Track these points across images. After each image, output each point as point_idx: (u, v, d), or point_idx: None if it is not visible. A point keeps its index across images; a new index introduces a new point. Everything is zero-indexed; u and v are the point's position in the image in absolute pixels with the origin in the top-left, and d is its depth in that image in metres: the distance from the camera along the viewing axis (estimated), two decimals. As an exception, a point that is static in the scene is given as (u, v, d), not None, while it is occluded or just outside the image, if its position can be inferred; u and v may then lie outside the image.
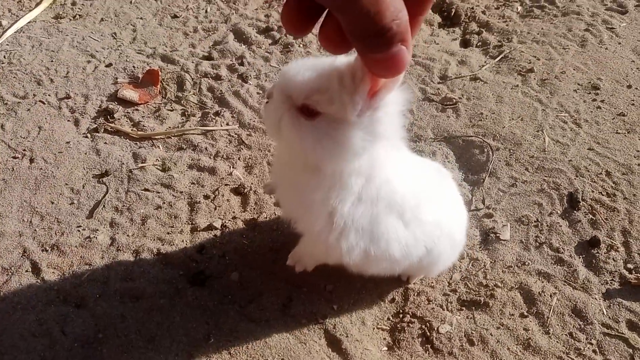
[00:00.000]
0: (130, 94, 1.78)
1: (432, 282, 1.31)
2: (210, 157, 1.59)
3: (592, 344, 1.20)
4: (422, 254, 1.05)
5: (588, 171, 1.56)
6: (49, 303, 1.24)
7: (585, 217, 1.45)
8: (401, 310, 1.26)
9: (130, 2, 2.23)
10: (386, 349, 1.20)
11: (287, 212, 1.07)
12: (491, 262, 1.35)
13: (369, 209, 0.94)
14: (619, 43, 2.03)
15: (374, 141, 0.85)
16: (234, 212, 1.45)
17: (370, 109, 0.81)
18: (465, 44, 2.07)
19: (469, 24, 2.16)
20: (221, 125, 1.70)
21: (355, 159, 0.87)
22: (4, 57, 1.92)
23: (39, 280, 1.29)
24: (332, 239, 0.96)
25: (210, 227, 1.40)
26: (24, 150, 1.60)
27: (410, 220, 0.98)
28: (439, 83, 1.85)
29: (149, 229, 1.40)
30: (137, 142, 1.64)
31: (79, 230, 1.40)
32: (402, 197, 0.96)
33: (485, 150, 1.63)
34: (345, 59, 0.80)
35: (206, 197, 1.49)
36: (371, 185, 0.93)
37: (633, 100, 1.79)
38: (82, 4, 2.22)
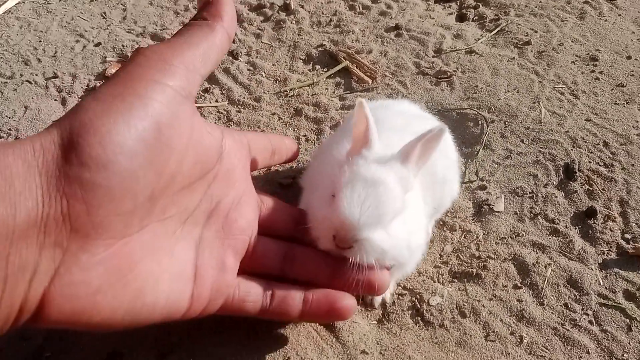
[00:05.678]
0: (119, 72, 1.75)
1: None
2: (198, 134, 1.56)
3: (588, 314, 1.17)
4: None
5: (585, 142, 1.52)
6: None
7: (581, 187, 1.41)
8: (391, 283, 1.23)
9: (121, -17, 2.20)
10: (375, 322, 1.17)
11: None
12: (484, 234, 1.32)
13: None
14: (619, 15, 1.98)
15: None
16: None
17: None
18: (461, 18, 2.02)
19: (466, -2, 2.11)
20: (210, 102, 1.67)
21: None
22: (-8, 38, 1.90)
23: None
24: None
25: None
26: (9, 129, 1.58)
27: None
28: (433, 57, 1.81)
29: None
30: (125, 120, 1.61)
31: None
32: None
33: (480, 122, 1.59)
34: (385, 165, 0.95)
35: (194, 173, 1.47)
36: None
37: (632, 71, 1.74)
38: (72, -15, 2.19)
